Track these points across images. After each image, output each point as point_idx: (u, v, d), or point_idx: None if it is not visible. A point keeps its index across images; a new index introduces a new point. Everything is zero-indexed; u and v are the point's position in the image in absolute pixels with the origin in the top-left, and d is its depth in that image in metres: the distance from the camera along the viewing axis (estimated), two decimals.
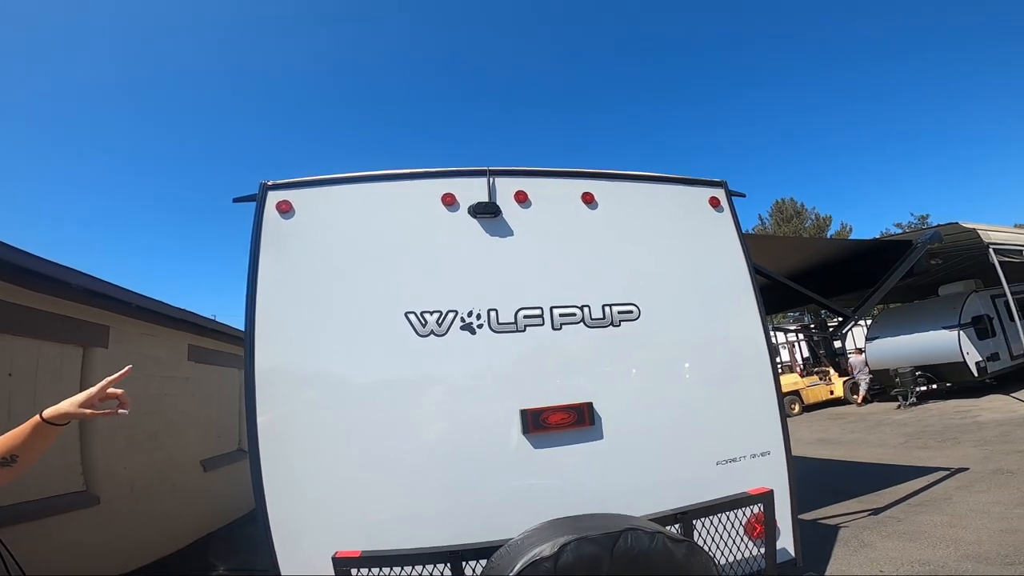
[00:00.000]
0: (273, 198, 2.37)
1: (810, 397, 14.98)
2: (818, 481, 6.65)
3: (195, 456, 6.81)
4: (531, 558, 1.75)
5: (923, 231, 7.83)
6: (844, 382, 15.66)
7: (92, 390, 1.43)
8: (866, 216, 50.38)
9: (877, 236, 12.82)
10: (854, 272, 6.89)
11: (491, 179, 2.57)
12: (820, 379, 15.62)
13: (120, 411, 1.46)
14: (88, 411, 1.41)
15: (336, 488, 2.21)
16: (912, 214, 32.71)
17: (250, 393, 2.21)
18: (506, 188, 2.59)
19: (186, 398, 6.70)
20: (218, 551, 5.92)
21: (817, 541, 4.57)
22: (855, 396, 15.04)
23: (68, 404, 1.41)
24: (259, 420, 2.20)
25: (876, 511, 5.46)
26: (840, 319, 5.91)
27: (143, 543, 5.27)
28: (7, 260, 3.77)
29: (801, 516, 2.75)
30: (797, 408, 14.31)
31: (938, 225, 8.78)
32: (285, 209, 2.36)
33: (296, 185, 2.42)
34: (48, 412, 1.38)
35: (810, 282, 5.42)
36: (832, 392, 15.43)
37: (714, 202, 2.91)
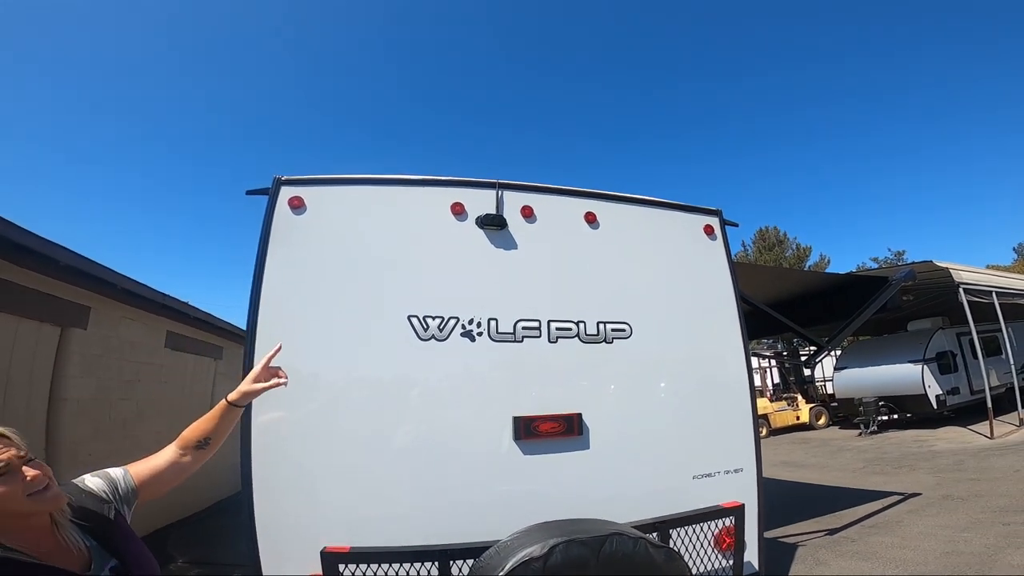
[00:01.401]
0: (286, 193, 2.39)
1: (777, 421, 15.38)
2: (780, 501, 6.87)
3: (162, 446, 6.60)
4: (522, 558, 1.83)
5: (899, 268, 8.16)
6: (810, 409, 16.11)
7: (259, 367, 1.55)
8: (845, 248, 51.96)
9: (854, 269, 13.29)
10: (830, 304, 7.16)
11: (499, 192, 2.64)
12: (788, 404, 16.06)
13: (282, 381, 1.56)
14: (263, 385, 1.53)
15: (325, 484, 2.23)
16: (889, 249, 33.82)
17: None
18: (513, 202, 2.66)
19: (159, 386, 6.55)
20: (178, 542, 5.82)
21: (777, 558, 4.75)
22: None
23: (246, 384, 1.53)
24: (254, 411, 2.20)
25: (832, 531, 5.71)
26: (813, 348, 6.13)
27: None
28: None
29: (764, 533, 2.87)
30: (764, 431, 14.65)
31: (913, 263, 9.16)
32: (297, 205, 2.39)
33: (310, 182, 2.45)
34: (232, 395, 1.52)
35: (788, 311, 5.62)
36: (798, 418, 15.87)
37: (708, 230, 3.04)
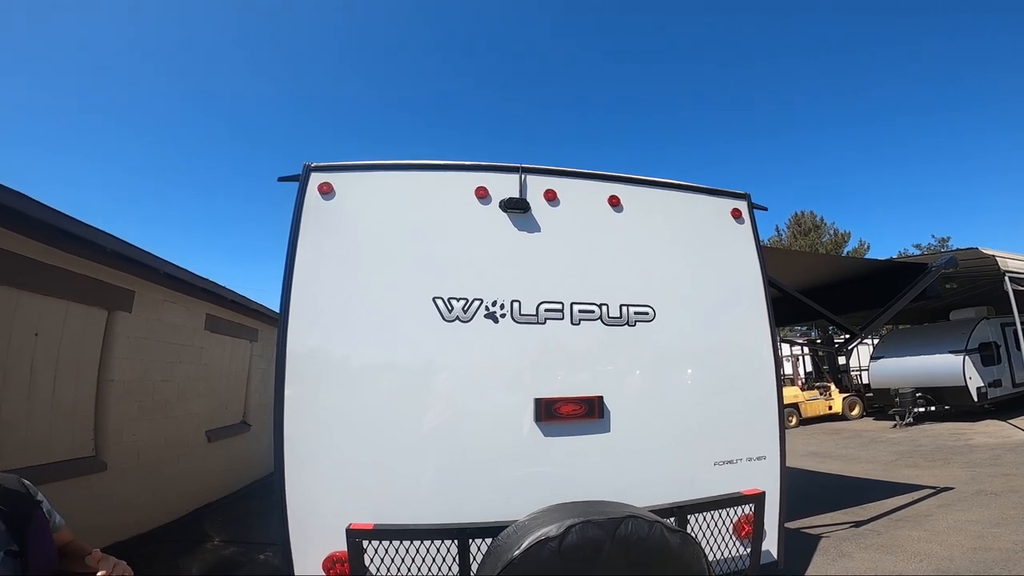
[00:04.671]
0: (316, 179, 2.47)
1: (808, 411, 15.07)
2: (805, 491, 6.76)
3: (201, 426, 6.88)
4: (538, 537, 1.86)
5: (940, 255, 7.83)
6: (844, 398, 15.73)
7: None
8: (886, 235, 49.77)
9: (894, 256, 12.80)
10: (866, 291, 6.94)
11: (523, 176, 2.67)
12: (820, 394, 15.70)
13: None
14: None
15: (352, 463, 2.32)
16: (933, 236, 32.19)
17: (280, 365, 2.31)
18: (537, 186, 2.69)
19: (198, 367, 6.79)
20: (213, 522, 6.03)
21: (798, 548, 4.70)
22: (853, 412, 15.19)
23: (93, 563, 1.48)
24: (287, 393, 2.30)
25: (858, 524, 5.61)
26: (847, 336, 5.96)
27: (144, 511, 5.33)
28: (44, 220, 3.88)
29: (786, 524, 2.86)
30: (794, 420, 14.40)
31: (957, 250, 8.78)
32: (326, 191, 2.47)
33: (338, 168, 2.53)
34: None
35: (821, 297, 5.47)
36: (831, 407, 15.51)
37: (736, 214, 3.00)
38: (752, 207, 3.07)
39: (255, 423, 8.54)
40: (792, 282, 5.07)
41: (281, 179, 2.56)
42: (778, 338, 2.94)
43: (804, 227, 32.66)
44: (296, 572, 2.22)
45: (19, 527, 1.41)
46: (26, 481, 1.55)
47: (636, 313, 2.68)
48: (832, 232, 32.51)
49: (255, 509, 6.81)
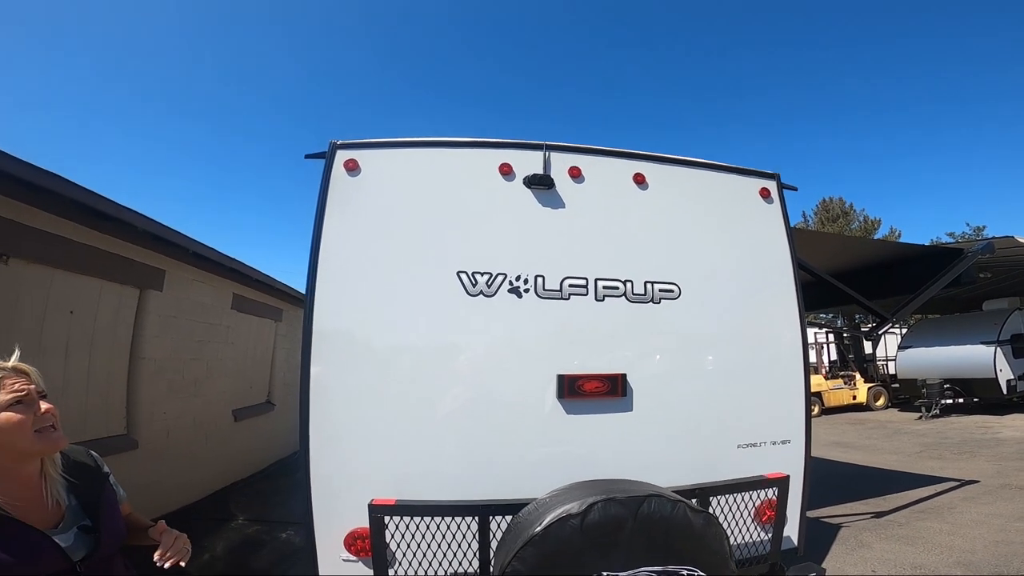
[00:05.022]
0: (341, 156, 2.49)
1: (832, 400, 14.86)
2: (826, 481, 6.70)
3: (228, 405, 7.02)
4: (559, 514, 1.86)
5: (976, 242, 7.58)
6: (869, 388, 15.45)
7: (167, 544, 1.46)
8: (918, 222, 48.19)
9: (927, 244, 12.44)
10: (897, 277, 6.76)
11: (547, 153, 2.65)
12: (844, 383, 15.43)
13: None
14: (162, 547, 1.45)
15: (375, 439, 2.34)
16: (968, 224, 31.16)
17: (307, 341, 2.34)
18: (561, 163, 2.67)
19: (225, 346, 6.94)
20: (238, 501, 6.17)
21: (816, 537, 4.67)
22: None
23: (157, 535, 1.47)
24: (313, 370, 2.33)
25: (879, 514, 5.57)
26: (876, 321, 5.83)
27: (172, 490, 5.43)
28: (78, 200, 3.98)
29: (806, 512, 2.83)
30: (816, 410, 14.23)
31: (993, 237, 8.49)
32: (352, 167, 2.49)
33: (363, 146, 2.54)
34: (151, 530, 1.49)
35: (849, 283, 5.35)
36: (855, 397, 15.26)
37: (764, 193, 2.94)
38: (781, 187, 3.00)
39: (279, 403, 8.72)
40: (820, 266, 4.96)
41: (308, 156, 2.58)
42: (806, 321, 2.89)
43: (832, 213, 31.84)
44: (318, 548, 2.26)
45: (91, 501, 1.40)
46: (94, 453, 1.54)
47: (661, 291, 2.66)
48: (862, 219, 31.65)
49: (278, 488, 7.00)
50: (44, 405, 1.29)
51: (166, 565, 1.40)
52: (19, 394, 1.24)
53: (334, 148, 2.51)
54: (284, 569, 4.16)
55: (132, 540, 1.54)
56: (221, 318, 6.80)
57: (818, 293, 5.68)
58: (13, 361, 1.32)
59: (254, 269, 7.02)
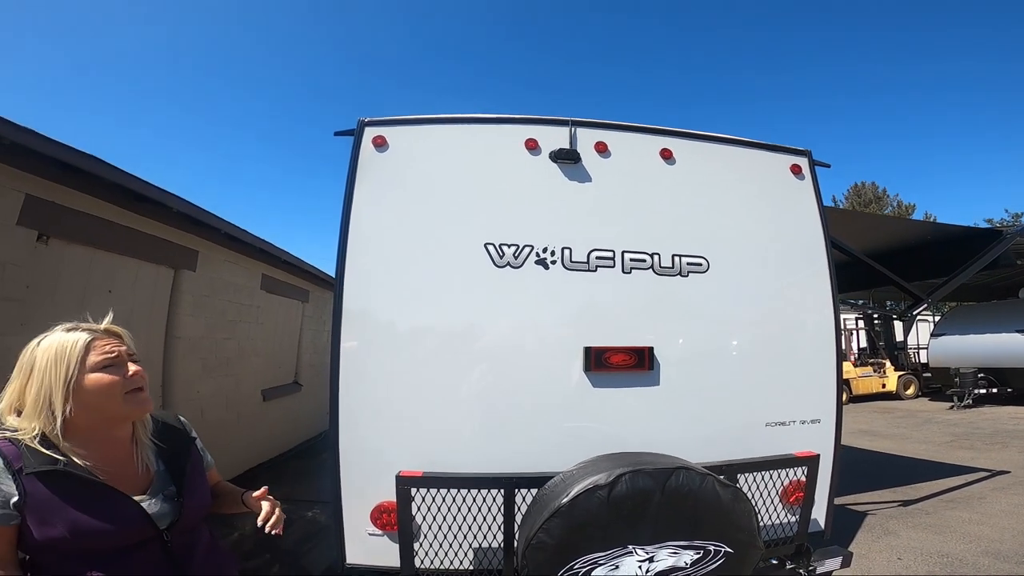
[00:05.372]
0: (369, 133, 2.52)
1: (860, 388, 14.57)
2: (853, 469, 6.62)
3: (257, 385, 7.13)
4: (586, 486, 1.85)
5: (1015, 227, 7.30)
6: (899, 377, 15.09)
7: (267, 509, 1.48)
8: (954, 208, 46.54)
9: None
10: (932, 260, 6.57)
11: (573, 129, 2.64)
12: (874, 371, 15.10)
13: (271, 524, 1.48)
14: (262, 511, 1.48)
15: (402, 413, 2.37)
16: (1007, 211, 30.05)
17: (337, 314, 2.38)
18: (587, 138, 2.65)
19: (255, 326, 7.07)
20: (266, 481, 6.35)
21: (842, 524, 4.65)
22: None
23: (257, 504, 1.50)
24: (343, 345, 2.36)
25: (906, 503, 5.52)
26: (910, 303, 5.69)
27: None
28: (117, 183, 4.10)
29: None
30: (844, 398, 13.95)
31: None
32: (380, 143, 2.52)
33: (390, 123, 2.57)
34: (247, 496, 1.52)
35: (883, 265, 5.22)
36: (884, 385, 14.93)
37: (795, 169, 2.88)
38: (813, 163, 2.94)
39: (306, 383, 8.90)
40: (852, 247, 4.84)
41: (337, 133, 2.62)
42: (839, 299, 2.83)
43: (865, 198, 30.98)
44: (345, 523, 2.31)
45: (178, 467, 1.40)
46: (183, 418, 1.56)
47: (689, 264, 2.63)
48: (895, 204, 30.73)
49: (305, 468, 7.19)
50: (133, 367, 1.29)
51: (274, 532, 1.40)
52: (110, 356, 1.26)
53: (362, 125, 2.54)
54: (311, 546, 4.29)
55: (222, 508, 1.55)
56: (251, 298, 6.93)
57: (850, 275, 5.56)
58: (105, 323, 1.35)
59: (282, 250, 7.13)
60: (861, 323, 17.93)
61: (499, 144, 2.62)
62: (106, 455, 1.28)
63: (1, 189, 3.46)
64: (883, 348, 16.43)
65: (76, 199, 4.01)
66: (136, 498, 1.28)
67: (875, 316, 16.79)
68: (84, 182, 3.94)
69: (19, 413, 1.23)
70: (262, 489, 1.48)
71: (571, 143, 2.62)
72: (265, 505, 1.45)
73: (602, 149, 2.66)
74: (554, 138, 2.63)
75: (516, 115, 2.67)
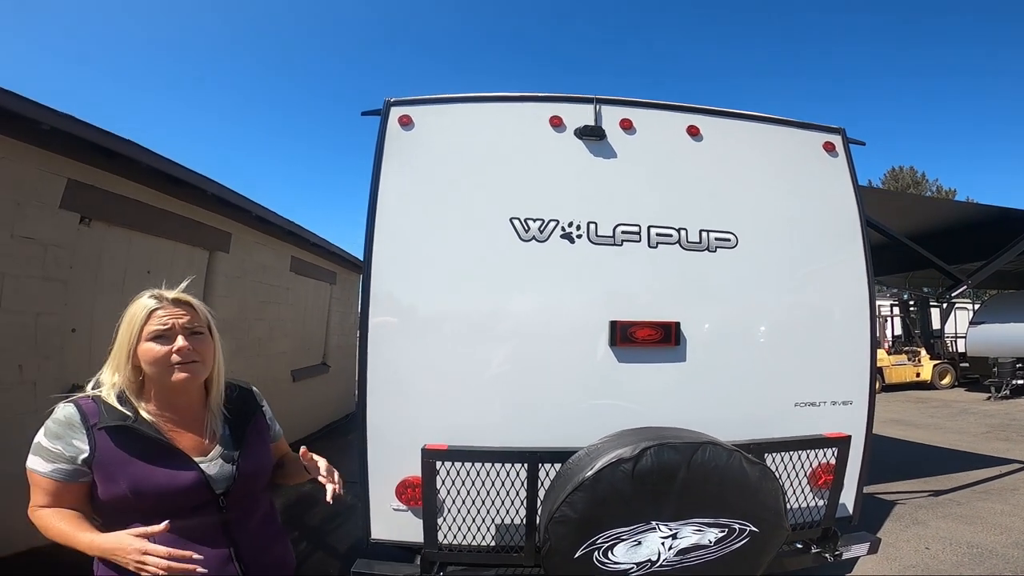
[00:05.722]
0: (395, 113, 2.54)
1: (893, 376, 14.16)
2: (883, 458, 6.48)
3: (287, 366, 7.25)
4: (611, 459, 1.83)
5: None
6: (934, 365, 14.62)
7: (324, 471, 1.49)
8: (996, 193, 44.47)
9: None
10: (971, 243, 6.32)
11: (597, 106, 2.62)
12: (908, 359, 14.64)
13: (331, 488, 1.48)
14: (320, 474, 1.49)
15: (428, 389, 2.40)
16: None
17: (365, 290, 2.42)
18: (612, 115, 2.63)
19: (285, 308, 7.19)
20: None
21: (870, 512, 4.55)
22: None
23: (316, 469, 1.49)
24: (371, 321, 2.40)
25: (937, 493, 5.40)
26: (950, 284, 5.49)
27: None
28: (154, 167, 4.23)
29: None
30: (877, 386, 13.66)
31: None
32: (405, 122, 2.54)
33: (416, 102, 2.59)
34: (308, 462, 1.50)
35: (922, 248, 5.04)
36: (918, 374, 14.48)
37: (829, 147, 2.80)
38: (848, 141, 2.85)
39: (333, 365, 9.05)
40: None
41: (364, 113, 2.65)
42: (874, 279, 2.76)
43: (902, 183, 29.92)
44: (371, 497, 2.36)
45: (241, 433, 1.44)
46: (255, 389, 1.61)
47: (717, 239, 2.60)
48: (935, 189, 29.60)
49: (332, 449, 7.30)
50: (180, 342, 1.31)
51: (335, 491, 1.44)
52: (162, 327, 1.30)
53: (388, 105, 2.57)
54: (337, 524, 4.39)
55: (288, 479, 1.59)
56: (281, 280, 7.06)
57: (886, 257, 5.38)
58: (175, 292, 1.40)
59: (311, 232, 7.23)
60: (896, 310, 17.40)
61: (523, 121, 2.62)
62: (175, 416, 1.35)
63: (44, 174, 3.61)
64: (919, 336, 15.89)
65: (115, 183, 4.15)
66: (196, 459, 1.33)
67: (911, 302, 16.25)
68: (122, 166, 4.07)
69: None
70: (325, 464, 1.49)
71: (596, 120, 2.60)
72: (321, 463, 1.47)
73: (627, 126, 2.63)
74: (579, 115, 2.61)
75: (540, 93, 2.66)
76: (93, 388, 1.34)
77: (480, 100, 2.64)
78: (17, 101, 3.15)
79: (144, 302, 1.34)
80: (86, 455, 1.24)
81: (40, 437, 1.26)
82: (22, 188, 3.46)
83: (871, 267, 2.75)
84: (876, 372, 2.77)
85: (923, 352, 15.00)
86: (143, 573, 1.10)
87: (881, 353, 14.34)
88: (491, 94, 2.65)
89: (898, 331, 17.49)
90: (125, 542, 1.14)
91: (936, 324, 16.67)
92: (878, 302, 15.98)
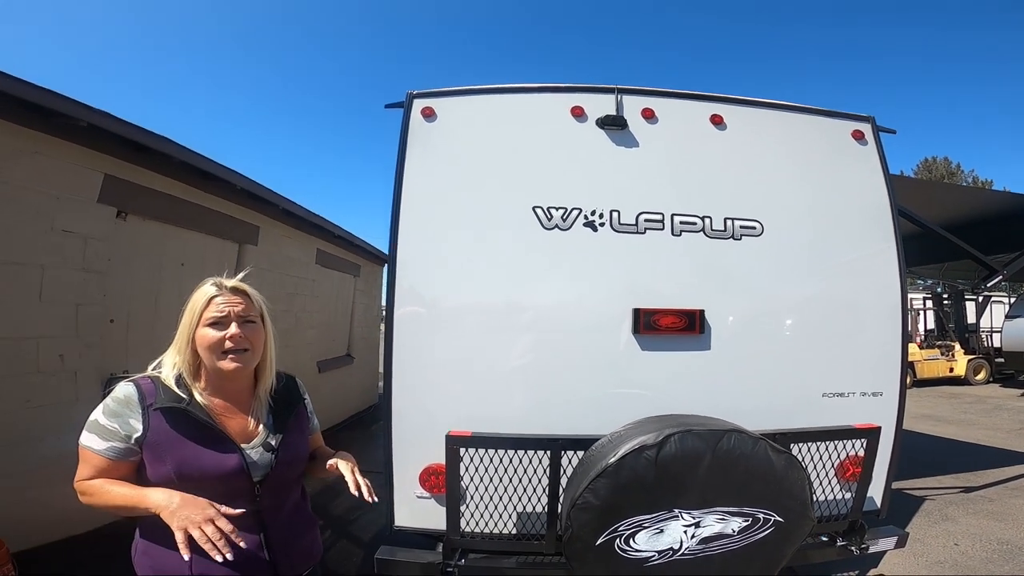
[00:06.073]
0: (418, 105, 2.57)
1: (925, 371, 13.78)
2: (913, 454, 6.34)
3: (313, 357, 7.37)
4: (634, 446, 1.81)
5: None
6: (968, 360, 14.17)
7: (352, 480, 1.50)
8: None
9: None
10: (1010, 234, 6.09)
11: (618, 96, 2.61)
12: (941, 354, 14.21)
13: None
14: (349, 477, 1.50)
15: (452, 377, 2.42)
16: None
17: (391, 282, 2.46)
18: (633, 105, 2.62)
19: (311, 299, 7.31)
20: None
21: (899, 508, 4.46)
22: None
23: (343, 470, 1.50)
24: (397, 311, 2.44)
25: (968, 489, 5.29)
26: (986, 274, 5.32)
27: None
28: (186, 162, 4.36)
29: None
30: (908, 380, 13.28)
31: None
32: (428, 114, 2.57)
33: (438, 94, 2.61)
34: (333, 464, 1.51)
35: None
36: (952, 369, 14.05)
37: (858, 135, 2.74)
38: (877, 129, 2.79)
39: (357, 356, 9.18)
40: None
41: (388, 106, 2.69)
42: (906, 268, 2.70)
43: (936, 174, 28.95)
44: (395, 485, 2.40)
45: (282, 422, 1.47)
46: (299, 380, 1.65)
47: (742, 227, 2.57)
48: (970, 180, 28.57)
49: (357, 439, 7.42)
50: (232, 330, 1.35)
51: (366, 496, 1.45)
52: (218, 315, 1.35)
53: (411, 97, 2.60)
54: (359, 514, 4.50)
55: (318, 472, 1.62)
56: (307, 272, 7.18)
57: (918, 247, 5.23)
58: (234, 281, 1.46)
59: (335, 225, 7.35)
60: (929, 303, 16.89)
61: (545, 112, 2.62)
62: (224, 401, 1.41)
63: (82, 169, 3.75)
64: (953, 330, 15.41)
65: (148, 178, 4.28)
66: (241, 445, 1.37)
67: (945, 295, 15.75)
68: (155, 161, 4.20)
69: None
70: (332, 462, 1.50)
71: (617, 110, 2.60)
72: (346, 471, 1.47)
73: (649, 115, 2.62)
74: (600, 105, 2.61)
75: (561, 84, 2.66)
76: (155, 369, 1.40)
77: (501, 92, 2.65)
78: (56, 99, 3.28)
79: (205, 289, 1.40)
80: (139, 434, 1.29)
81: (97, 414, 1.31)
82: (61, 183, 3.61)
83: (903, 256, 2.69)
84: (907, 364, 2.69)
85: (957, 346, 14.54)
86: (195, 535, 1.13)
87: (913, 347, 13.94)
88: (512, 85, 2.66)
89: (931, 325, 16.97)
90: (201, 503, 1.19)
91: (971, 318, 16.14)
92: (910, 295, 15.61)
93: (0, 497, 3.12)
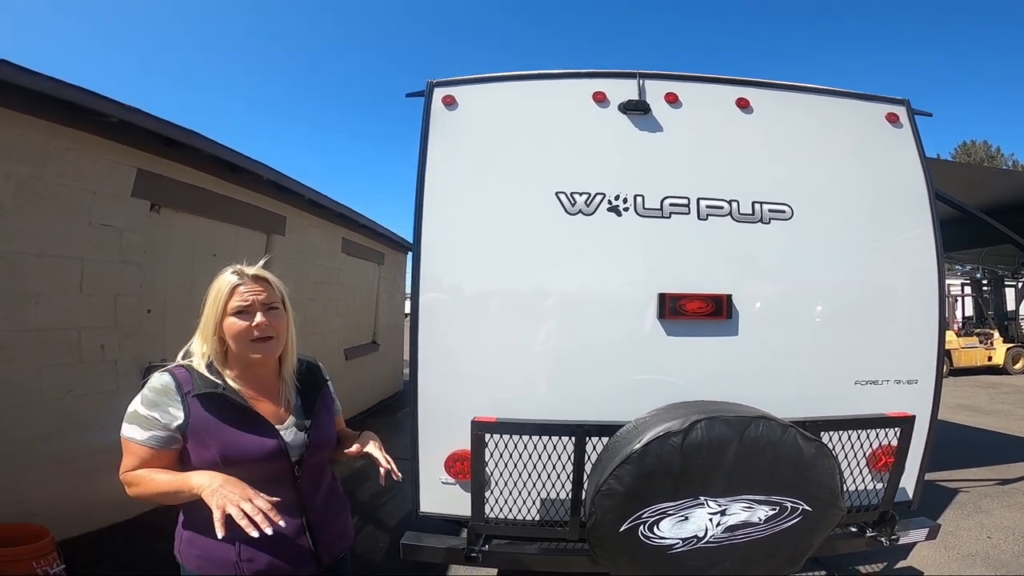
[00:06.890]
0: (439, 93, 2.57)
1: (962, 360, 13.31)
2: (948, 445, 6.14)
3: (340, 344, 7.47)
4: (660, 432, 1.79)
5: None
6: (1007, 349, 13.65)
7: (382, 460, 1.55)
8: None
9: None
10: None
11: (641, 81, 2.57)
12: (980, 342, 13.71)
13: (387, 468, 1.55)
14: (377, 457, 1.55)
15: (477, 362, 2.43)
16: None
17: (416, 269, 2.47)
18: (656, 90, 2.58)
19: (337, 288, 7.42)
20: None
21: (931, 499, 4.33)
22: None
23: (370, 449, 1.55)
24: (422, 297, 2.45)
25: (1004, 482, 5.12)
26: None
27: None
28: (215, 155, 4.46)
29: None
30: (944, 369, 12.87)
31: None
32: (449, 102, 2.56)
33: (458, 83, 2.60)
34: (354, 449, 1.55)
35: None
36: (990, 358, 13.55)
37: (892, 118, 2.64)
38: (912, 112, 2.69)
39: (382, 343, 9.30)
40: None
41: (409, 95, 2.69)
42: (943, 253, 2.61)
43: (975, 158, 27.78)
44: (421, 471, 2.42)
45: (310, 403, 1.50)
46: (320, 363, 1.67)
47: (771, 211, 2.51)
48: (1011, 164, 27.36)
49: (383, 426, 7.50)
50: (259, 318, 1.36)
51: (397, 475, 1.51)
52: (243, 304, 1.36)
53: (431, 86, 2.59)
54: (385, 500, 4.57)
55: (343, 455, 1.64)
56: (333, 261, 7.29)
57: (955, 232, 5.04)
58: (255, 269, 1.47)
59: (360, 214, 7.43)
60: (967, 289, 16.27)
61: (566, 98, 2.59)
62: (257, 386, 1.44)
63: (116, 164, 3.86)
64: (991, 317, 14.83)
65: (179, 171, 4.40)
66: (276, 426, 1.40)
67: (984, 281, 15.15)
68: (185, 155, 4.30)
69: None
70: (355, 447, 1.54)
71: (640, 94, 2.56)
72: (376, 452, 1.52)
73: (672, 100, 2.57)
74: (622, 90, 2.56)
75: (582, 69, 2.63)
76: (184, 358, 1.43)
77: (522, 79, 2.63)
78: (87, 96, 3.37)
79: (228, 278, 1.41)
80: (180, 422, 1.32)
81: (136, 405, 1.33)
82: (97, 178, 3.73)
83: (940, 240, 2.59)
84: (944, 351, 2.61)
85: (996, 334, 14.01)
86: (233, 512, 1.15)
87: (950, 335, 13.48)
88: (533, 72, 2.64)
89: (969, 312, 16.36)
90: (242, 484, 1.22)
91: (1011, 305, 15.51)
92: (948, 281, 15.08)
93: (44, 486, 3.26)
